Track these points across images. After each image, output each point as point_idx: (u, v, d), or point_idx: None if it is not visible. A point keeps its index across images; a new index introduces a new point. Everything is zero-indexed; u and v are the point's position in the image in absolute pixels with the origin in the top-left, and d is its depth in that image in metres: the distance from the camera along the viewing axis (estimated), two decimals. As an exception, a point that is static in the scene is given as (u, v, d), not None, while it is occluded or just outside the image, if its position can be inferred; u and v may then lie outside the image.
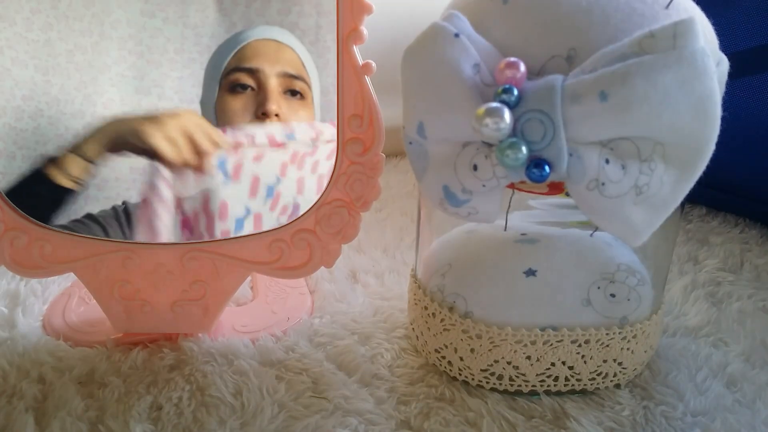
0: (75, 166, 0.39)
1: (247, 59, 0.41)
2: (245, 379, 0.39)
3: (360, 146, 0.38)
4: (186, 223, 0.41)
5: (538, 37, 0.31)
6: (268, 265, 0.41)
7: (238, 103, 0.41)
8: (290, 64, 0.41)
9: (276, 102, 0.41)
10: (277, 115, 0.41)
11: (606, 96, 0.28)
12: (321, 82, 0.41)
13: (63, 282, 0.49)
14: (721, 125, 0.28)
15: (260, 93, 0.41)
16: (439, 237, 0.42)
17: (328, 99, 0.41)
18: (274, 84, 0.41)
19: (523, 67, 0.29)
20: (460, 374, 0.39)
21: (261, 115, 0.41)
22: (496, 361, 0.38)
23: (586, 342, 0.37)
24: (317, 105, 0.42)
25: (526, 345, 0.37)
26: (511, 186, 0.34)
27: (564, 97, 0.28)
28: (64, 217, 0.40)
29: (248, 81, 0.41)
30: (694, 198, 0.41)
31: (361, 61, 0.37)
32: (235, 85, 0.41)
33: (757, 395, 0.39)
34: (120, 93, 0.39)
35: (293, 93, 0.42)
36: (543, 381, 0.38)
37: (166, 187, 0.40)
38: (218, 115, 0.41)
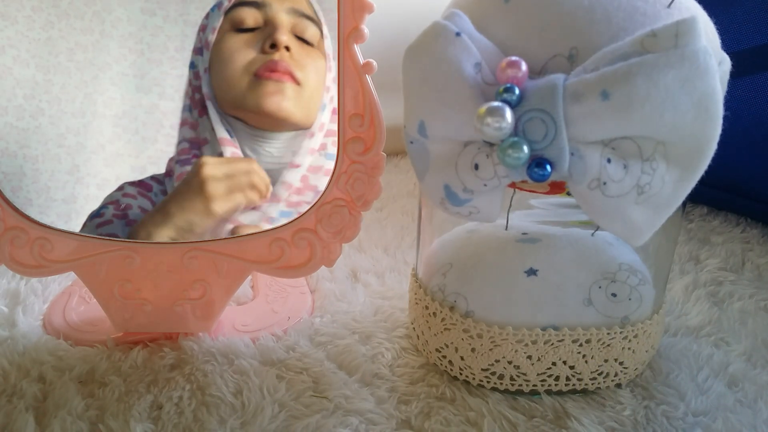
0: None
1: None
2: (246, 378, 0.39)
3: (361, 145, 0.38)
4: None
5: (540, 36, 0.31)
6: (268, 264, 0.41)
7: (242, 41, 0.37)
8: (302, 3, 0.37)
9: (287, 34, 0.37)
10: (287, 48, 0.36)
11: (608, 95, 0.27)
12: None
13: (63, 281, 0.49)
14: (723, 124, 0.28)
15: (267, 27, 0.37)
16: (440, 236, 0.42)
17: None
18: (286, 20, 0.37)
19: (524, 66, 0.29)
20: (460, 374, 0.39)
21: (269, 48, 0.37)
22: (497, 361, 0.38)
23: (588, 341, 0.37)
24: (332, 58, 0.37)
25: (527, 344, 0.37)
26: (513, 185, 0.34)
27: (566, 96, 0.28)
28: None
29: (255, 17, 0.37)
30: (695, 197, 0.41)
31: (362, 60, 0.37)
32: (239, 24, 0.37)
33: (758, 395, 0.39)
34: (121, 91, 0.39)
35: (303, 41, 0.37)
36: (544, 381, 0.38)
37: None
38: (213, 62, 0.37)
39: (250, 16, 0.36)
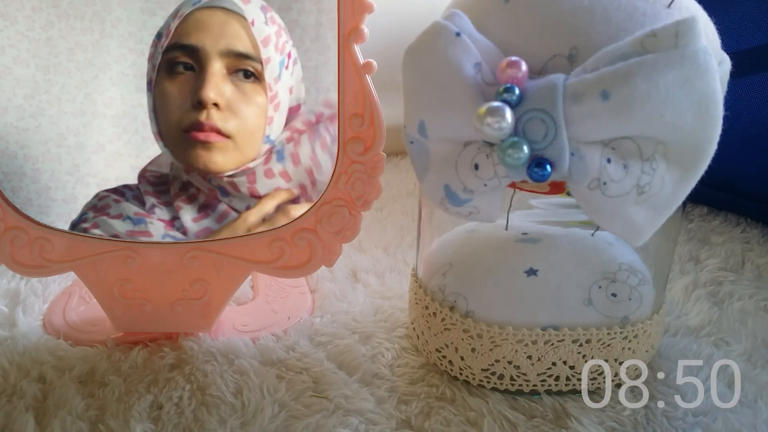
0: None
1: (186, 34, 0.36)
2: (246, 378, 0.39)
3: (361, 145, 0.38)
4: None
5: (540, 36, 0.31)
6: (268, 264, 0.41)
7: (175, 88, 0.36)
8: (239, 39, 0.36)
9: (215, 88, 0.35)
10: (216, 104, 0.36)
11: (608, 95, 0.27)
12: (321, 79, 0.41)
13: (63, 281, 0.49)
14: (723, 124, 0.28)
15: (199, 75, 0.36)
16: (440, 236, 0.42)
17: (328, 97, 0.40)
18: (217, 66, 0.36)
19: (524, 66, 0.29)
20: (460, 374, 0.39)
21: (196, 104, 0.36)
22: (497, 361, 0.38)
23: (588, 341, 0.37)
24: (274, 84, 0.37)
25: (527, 344, 0.37)
26: (513, 185, 0.34)
27: (566, 96, 0.28)
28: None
29: (188, 60, 0.36)
30: (695, 197, 0.41)
31: (362, 60, 0.37)
32: (173, 65, 0.36)
33: (758, 395, 0.39)
34: (121, 91, 0.39)
35: (246, 75, 0.36)
36: (544, 381, 0.38)
37: None
38: (156, 103, 0.37)
39: (183, 58, 0.36)
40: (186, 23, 0.36)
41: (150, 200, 0.39)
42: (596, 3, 0.30)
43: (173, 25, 0.36)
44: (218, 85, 0.36)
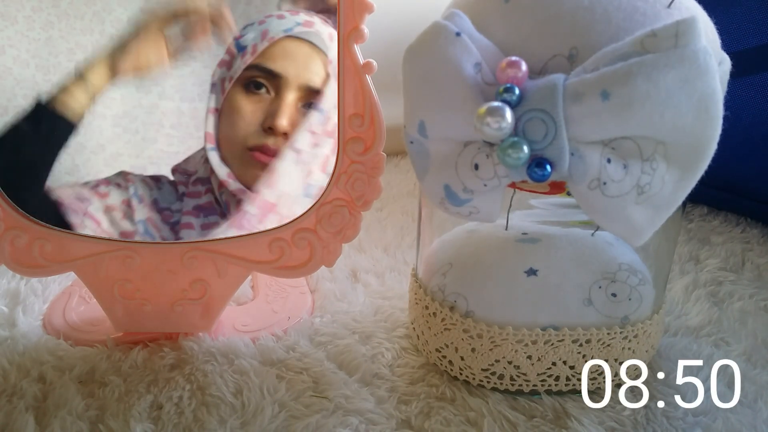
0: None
1: (272, 59, 0.38)
2: (246, 378, 0.39)
3: (361, 145, 0.38)
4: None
5: (540, 36, 0.31)
6: (268, 265, 0.41)
7: (249, 106, 0.38)
8: (317, 75, 0.38)
9: (289, 117, 0.38)
10: (285, 134, 0.38)
11: (608, 95, 0.27)
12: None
13: (63, 281, 0.49)
14: (723, 124, 0.28)
15: (275, 102, 0.38)
16: (440, 236, 0.42)
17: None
18: (292, 96, 0.38)
19: (524, 66, 0.29)
20: (461, 374, 0.39)
21: (267, 129, 0.38)
22: (497, 361, 0.38)
23: (588, 341, 0.37)
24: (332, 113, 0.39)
25: (527, 344, 0.37)
26: (513, 185, 0.34)
27: (566, 96, 0.28)
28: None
29: (266, 83, 0.38)
30: (695, 197, 0.41)
31: (362, 60, 0.37)
32: (251, 83, 0.38)
33: (758, 395, 0.39)
34: (121, 91, 0.39)
35: (309, 105, 0.38)
36: (544, 381, 0.38)
37: None
38: (223, 109, 0.38)
39: (263, 80, 0.38)
40: (274, 48, 0.38)
41: (181, 189, 0.40)
42: (596, 3, 0.30)
43: (261, 46, 0.38)
44: (292, 116, 0.38)
